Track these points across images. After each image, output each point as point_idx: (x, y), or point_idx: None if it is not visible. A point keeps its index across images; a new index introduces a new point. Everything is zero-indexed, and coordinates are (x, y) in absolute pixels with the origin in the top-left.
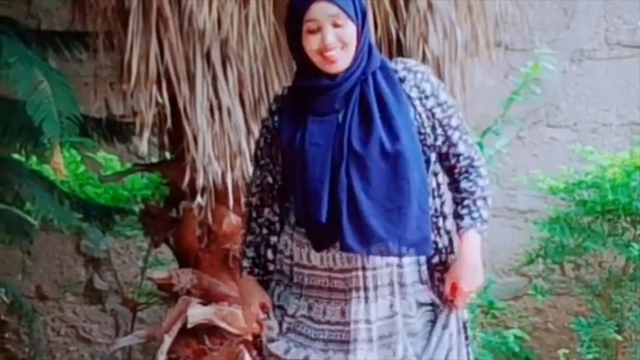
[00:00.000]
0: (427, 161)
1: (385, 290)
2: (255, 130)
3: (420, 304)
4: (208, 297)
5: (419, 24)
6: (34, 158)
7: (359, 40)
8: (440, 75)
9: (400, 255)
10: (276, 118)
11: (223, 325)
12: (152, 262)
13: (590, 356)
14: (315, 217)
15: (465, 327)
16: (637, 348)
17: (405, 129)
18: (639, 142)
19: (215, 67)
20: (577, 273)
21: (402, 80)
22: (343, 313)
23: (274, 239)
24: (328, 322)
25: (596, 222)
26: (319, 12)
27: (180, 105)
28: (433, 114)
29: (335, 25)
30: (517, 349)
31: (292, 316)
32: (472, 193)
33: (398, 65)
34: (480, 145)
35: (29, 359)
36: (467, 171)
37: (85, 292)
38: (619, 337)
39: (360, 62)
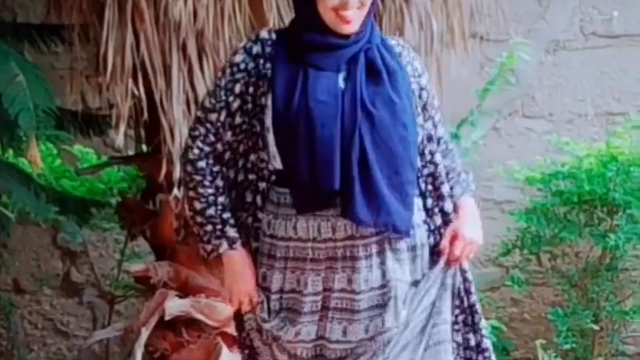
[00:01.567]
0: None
1: (377, 259)
2: None
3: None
4: (185, 290)
5: (394, 15)
6: (10, 151)
7: (372, 3)
8: None
9: (407, 235)
10: (268, 64)
11: (200, 317)
12: (129, 255)
13: (567, 346)
14: (325, 183)
15: (467, 288)
16: (614, 337)
17: (410, 102)
18: (615, 132)
19: (191, 59)
20: (554, 263)
21: (398, 55)
22: (325, 282)
23: (262, 184)
24: (313, 294)
25: (572, 212)
26: None
27: (157, 98)
28: (427, 92)
29: None
30: (494, 339)
31: (279, 292)
32: (454, 169)
33: (392, 41)
34: (456, 136)
35: (6, 353)
36: (444, 151)
37: (62, 285)
38: (596, 327)
39: (369, 27)
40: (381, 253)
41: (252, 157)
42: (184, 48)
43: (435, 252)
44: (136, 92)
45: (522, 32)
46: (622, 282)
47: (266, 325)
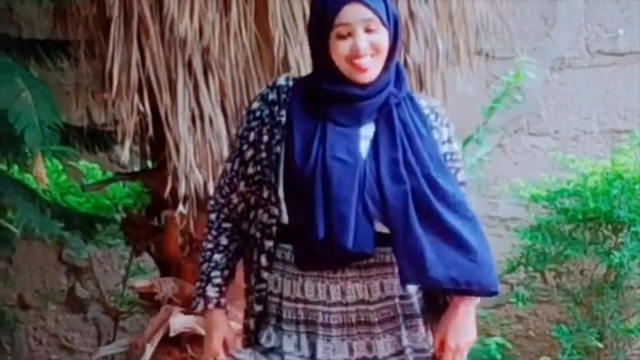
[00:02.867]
0: None
1: (390, 325)
2: None
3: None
4: (190, 306)
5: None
6: (15, 167)
7: (391, 51)
8: (421, 84)
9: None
10: (283, 112)
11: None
12: (134, 271)
13: None
14: (339, 242)
15: None
16: (619, 355)
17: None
18: (620, 150)
19: (196, 76)
20: (559, 281)
21: (425, 117)
22: (351, 350)
23: (269, 243)
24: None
25: (577, 230)
26: (351, 15)
27: (162, 114)
28: (445, 161)
29: (368, 31)
30: (499, 356)
31: (302, 357)
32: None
33: (421, 101)
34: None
35: None
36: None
37: (67, 301)
38: (600, 345)
39: (390, 77)
40: (395, 318)
41: (260, 212)
42: (189, 64)
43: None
44: (142, 108)
45: (528, 49)
46: (626, 300)
47: None
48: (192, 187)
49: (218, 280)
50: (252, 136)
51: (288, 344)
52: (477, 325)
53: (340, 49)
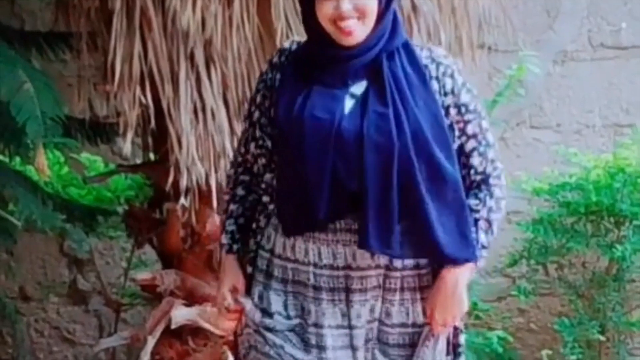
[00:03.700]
0: None
1: (369, 294)
2: (239, 131)
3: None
4: (192, 298)
5: (402, 26)
6: (17, 159)
7: (381, 14)
8: None
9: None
10: (278, 75)
11: (207, 326)
12: (136, 263)
13: (574, 357)
14: (310, 209)
15: (455, 352)
16: (620, 348)
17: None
18: (623, 143)
19: (199, 68)
20: (561, 274)
21: (424, 67)
22: (343, 316)
23: (271, 206)
24: (319, 326)
25: (579, 223)
26: None
27: (164, 106)
28: (448, 115)
29: None
30: (500, 350)
31: (286, 317)
32: (477, 211)
33: (423, 51)
34: None
35: None
36: (478, 187)
37: (69, 293)
38: (602, 338)
39: (381, 38)
40: (377, 288)
41: (268, 176)
42: (191, 56)
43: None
44: (144, 100)
45: (531, 42)
46: (628, 293)
47: (265, 321)
48: (194, 179)
49: (231, 228)
50: (258, 99)
51: (276, 303)
52: (478, 319)
53: (324, 10)
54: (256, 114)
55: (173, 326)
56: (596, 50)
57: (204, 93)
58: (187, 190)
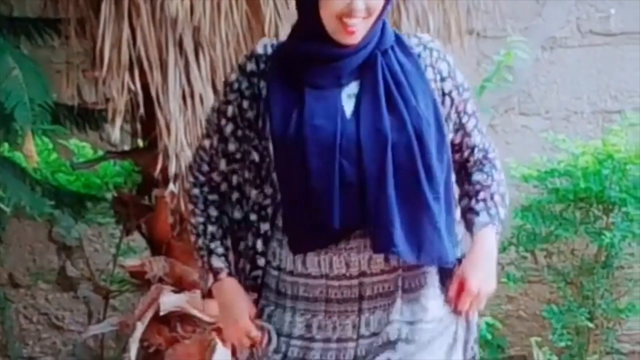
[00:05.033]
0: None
1: (383, 300)
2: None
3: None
4: (180, 285)
5: (391, 12)
6: (5, 145)
7: (380, 13)
8: None
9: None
10: (262, 83)
11: (195, 312)
12: (125, 250)
13: (562, 343)
14: (324, 221)
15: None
16: (609, 335)
17: (433, 111)
18: (611, 130)
19: (187, 55)
20: (549, 261)
21: (417, 56)
22: (343, 328)
23: (265, 226)
24: (327, 340)
25: (568, 210)
26: None
27: (153, 93)
28: (452, 99)
29: None
30: (489, 336)
31: (288, 336)
32: (488, 186)
33: (412, 40)
34: None
35: (1, 347)
36: (480, 162)
37: (58, 280)
38: (591, 325)
39: (374, 36)
40: (391, 293)
41: (253, 192)
42: (180, 43)
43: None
44: (132, 86)
45: (519, 29)
46: (617, 280)
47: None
48: (182, 165)
49: (221, 250)
50: (230, 110)
51: (287, 322)
52: None
53: (333, 5)
54: (229, 128)
55: (162, 313)
56: (585, 37)
57: (192, 79)
58: (176, 177)
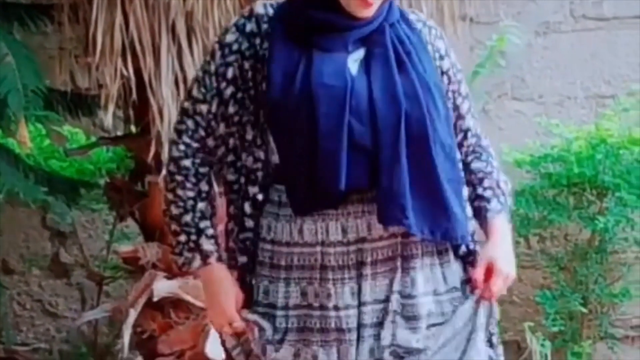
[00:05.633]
0: None
1: (385, 266)
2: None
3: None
4: (173, 271)
5: None
6: None
7: None
8: None
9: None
10: (266, 44)
11: (188, 298)
12: (118, 236)
13: (556, 329)
14: (330, 182)
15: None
16: (603, 320)
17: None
18: (604, 115)
19: (180, 40)
20: (543, 246)
21: (419, 32)
22: (340, 295)
23: (253, 189)
24: (324, 307)
25: (561, 195)
26: None
27: (146, 78)
28: (449, 78)
29: None
30: None
31: (284, 308)
32: (490, 173)
33: (411, 16)
34: None
35: None
36: (475, 150)
37: (51, 266)
38: (584, 310)
39: (383, 10)
40: (392, 259)
41: (244, 155)
42: (173, 28)
43: (466, 283)
44: (125, 72)
45: (512, 14)
46: (610, 265)
47: (270, 350)
48: None
49: (211, 232)
50: (230, 72)
51: (281, 295)
52: None
53: None
54: (229, 90)
55: (155, 299)
56: (578, 22)
57: (185, 65)
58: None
